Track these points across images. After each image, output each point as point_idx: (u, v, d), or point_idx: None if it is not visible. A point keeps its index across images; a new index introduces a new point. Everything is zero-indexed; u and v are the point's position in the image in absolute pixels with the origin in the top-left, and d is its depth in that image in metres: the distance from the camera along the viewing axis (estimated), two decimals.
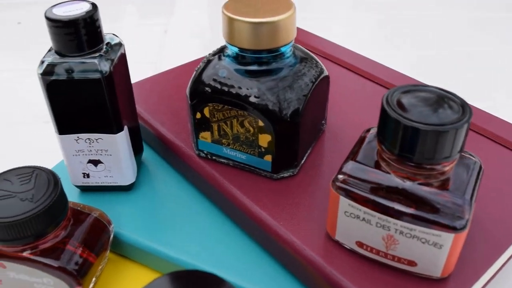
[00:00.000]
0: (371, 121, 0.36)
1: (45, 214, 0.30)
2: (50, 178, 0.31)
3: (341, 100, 0.42)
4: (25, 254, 0.30)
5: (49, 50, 0.33)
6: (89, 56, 0.32)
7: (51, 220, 0.30)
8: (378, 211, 0.27)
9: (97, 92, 0.32)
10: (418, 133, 0.25)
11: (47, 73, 0.32)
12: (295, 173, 0.35)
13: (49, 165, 0.40)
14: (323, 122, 0.38)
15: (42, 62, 0.32)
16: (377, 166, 0.28)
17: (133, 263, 0.36)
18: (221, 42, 0.35)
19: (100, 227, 0.34)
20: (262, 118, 0.32)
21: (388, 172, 0.27)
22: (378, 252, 0.29)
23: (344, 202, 0.28)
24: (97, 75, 0.32)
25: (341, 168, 0.29)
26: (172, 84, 0.45)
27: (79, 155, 0.36)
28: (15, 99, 0.62)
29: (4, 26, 0.81)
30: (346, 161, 0.29)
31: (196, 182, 0.37)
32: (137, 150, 0.38)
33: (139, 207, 0.37)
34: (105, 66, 0.32)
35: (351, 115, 0.40)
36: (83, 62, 0.32)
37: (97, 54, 0.32)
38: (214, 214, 0.36)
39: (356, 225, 0.28)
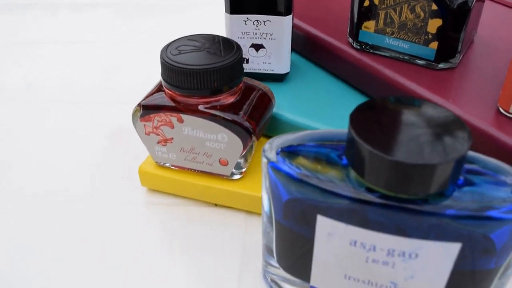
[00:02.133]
0: None
1: (229, 69, 0.31)
2: (232, 42, 0.33)
3: (488, 23, 0.43)
4: (201, 108, 0.32)
5: None
6: None
7: (231, 77, 0.32)
8: None
9: None
10: None
11: None
12: (454, 65, 0.36)
13: None
14: (474, 32, 0.39)
15: None
16: None
17: None
18: None
19: (265, 101, 0.35)
20: (436, 1, 0.33)
21: None
22: None
23: None
24: None
25: None
26: None
27: (244, 37, 0.37)
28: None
29: None
30: None
31: (351, 74, 0.38)
32: None
33: (292, 94, 0.38)
34: None
35: (498, 34, 0.41)
36: None
37: None
38: None
39: None
